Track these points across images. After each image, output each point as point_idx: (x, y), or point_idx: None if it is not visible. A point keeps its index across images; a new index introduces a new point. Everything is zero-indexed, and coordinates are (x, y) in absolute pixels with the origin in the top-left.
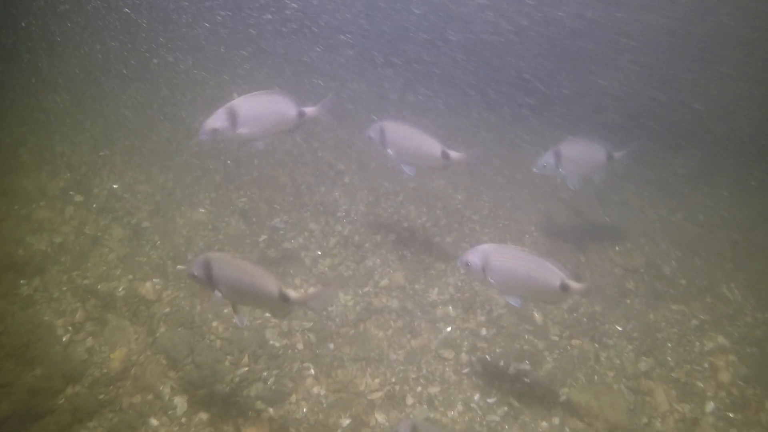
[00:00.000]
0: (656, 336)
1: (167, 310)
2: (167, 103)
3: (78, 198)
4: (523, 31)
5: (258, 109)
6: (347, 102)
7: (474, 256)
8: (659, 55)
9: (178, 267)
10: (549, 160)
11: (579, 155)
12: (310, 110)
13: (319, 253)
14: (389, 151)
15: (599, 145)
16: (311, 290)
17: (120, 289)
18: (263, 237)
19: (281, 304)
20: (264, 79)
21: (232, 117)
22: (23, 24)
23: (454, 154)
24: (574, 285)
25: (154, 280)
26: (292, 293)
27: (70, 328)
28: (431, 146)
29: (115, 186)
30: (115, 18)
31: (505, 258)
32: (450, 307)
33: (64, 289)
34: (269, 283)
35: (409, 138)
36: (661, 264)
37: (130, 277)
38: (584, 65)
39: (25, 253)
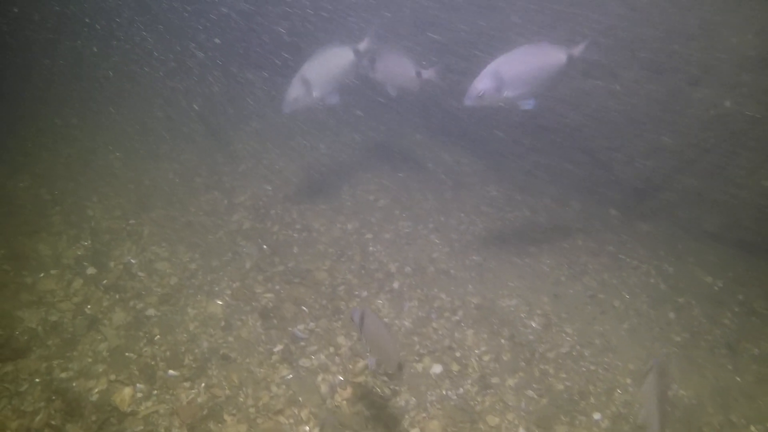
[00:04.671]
0: None
1: (139, 428)
2: (218, 171)
3: (90, 270)
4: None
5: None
6: None
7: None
8: None
9: (170, 372)
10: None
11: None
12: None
13: (341, 378)
14: None
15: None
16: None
17: (95, 392)
18: (279, 347)
19: None
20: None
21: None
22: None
23: None
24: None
25: (137, 385)
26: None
27: None
28: None
29: (133, 261)
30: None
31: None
32: None
33: (37, 381)
34: None
35: None
36: None
37: (112, 377)
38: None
39: (4, 332)
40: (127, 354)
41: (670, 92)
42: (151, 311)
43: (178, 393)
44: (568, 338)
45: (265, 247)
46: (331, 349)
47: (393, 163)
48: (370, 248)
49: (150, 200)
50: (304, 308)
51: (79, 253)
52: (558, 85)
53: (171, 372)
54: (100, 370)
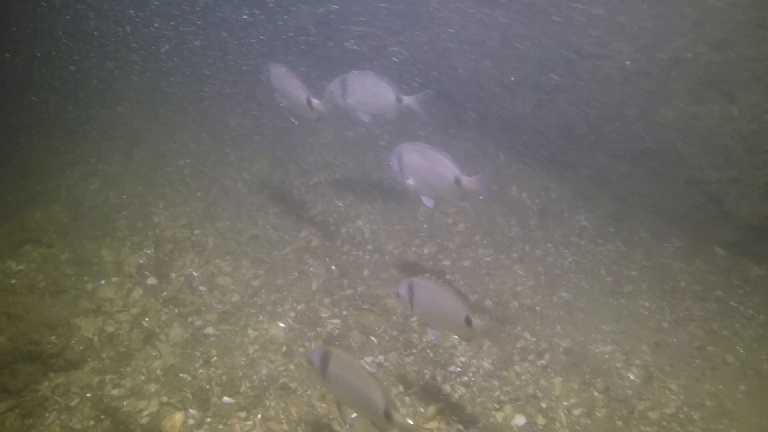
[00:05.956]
0: None
1: None
2: (289, 183)
3: (151, 281)
4: None
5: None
6: None
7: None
8: None
9: (225, 399)
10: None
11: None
12: None
13: (410, 422)
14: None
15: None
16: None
17: (145, 414)
18: None
19: None
20: None
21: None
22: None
23: None
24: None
25: (189, 410)
26: None
27: None
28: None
29: (195, 274)
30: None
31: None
32: None
33: (88, 396)
34: None
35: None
36: None
37: (164, 399)
38: None
39: (60, 340)
40: (181, 375)
41: None
42: (209, 329)
43: (232, 424)
44: (673, 396)
45: (333, 267)
46: (401, 388)
47: None
48: (447, 276)
49: (217, 210)
50: (373, 338)
51: (141, 261)
52: (387, 114)
53: (226, 399)
54: (153, 389)
